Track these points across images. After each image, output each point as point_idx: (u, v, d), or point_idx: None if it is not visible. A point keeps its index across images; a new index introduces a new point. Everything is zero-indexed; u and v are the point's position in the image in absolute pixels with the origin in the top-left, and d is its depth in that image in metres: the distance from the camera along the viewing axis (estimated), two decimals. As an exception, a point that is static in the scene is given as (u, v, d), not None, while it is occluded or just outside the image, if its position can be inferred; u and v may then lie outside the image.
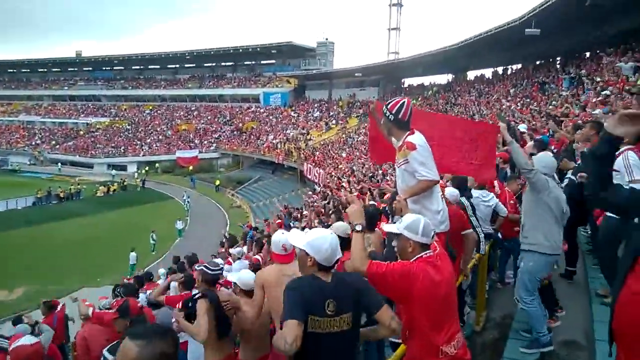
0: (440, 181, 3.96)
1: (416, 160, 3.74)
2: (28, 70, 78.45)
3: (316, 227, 10.32)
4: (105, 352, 4.21)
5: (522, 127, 11.67)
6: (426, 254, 2.91)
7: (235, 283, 4.52)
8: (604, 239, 4.91)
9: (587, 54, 26.99)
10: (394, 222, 3.32)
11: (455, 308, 3.09)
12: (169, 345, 1.70)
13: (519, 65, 36.59)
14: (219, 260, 7.51)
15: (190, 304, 4.22)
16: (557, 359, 4.46)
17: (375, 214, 5.30)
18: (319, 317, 2.66)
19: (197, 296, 4.26)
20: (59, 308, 8.49)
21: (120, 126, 64.71)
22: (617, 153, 4.64)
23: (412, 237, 2.91)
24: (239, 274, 4.56)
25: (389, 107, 3.94)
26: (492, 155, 4.56)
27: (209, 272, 4.43)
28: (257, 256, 8.39)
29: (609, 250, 4.78)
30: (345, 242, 4.35)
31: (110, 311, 6.14)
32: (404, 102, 3.94)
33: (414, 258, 2.90)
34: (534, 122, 13.59)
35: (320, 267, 2.76)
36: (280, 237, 4.10)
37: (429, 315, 2.83)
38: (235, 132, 57.20)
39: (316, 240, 2.77)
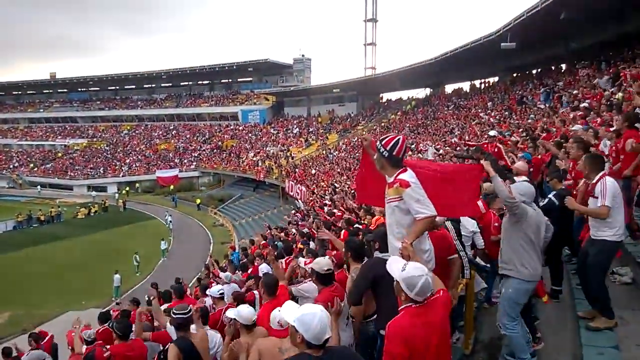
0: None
1: (411, 197, 3.72)
2: (2, 93, 77.13)
3: (301, 248, 10.27)
4: None
5: (492, 133, 12.11)
6: (413, 305, 3.00)
7: (234, 319, 4.48)
8: (592, 262, 5.03)
9: (563, 67, 27.76)
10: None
11: (447, 351, 3.20)
12: None
13: (496, 78, 37.41)
14: (214, 289, 7.52)
15: (161, 357, 4.30)
16: None
17: (361, 245, 5.24)
18: None
19: (167, 347, 4.32)
20: (45, 339, 8.47)
21: (99, 147, 64.00)
22: (595, 179, 4.99)
23: (407, 292, 2.98)
24: (238, 309, 4.54)
25: (383, 143, 3.91)
26: (475, 194, 4.59)
27: (176, 316, 4.49)
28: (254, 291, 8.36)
29: (596, 270, 5.00)
30: (325, 278, 4.54)
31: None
32: (399, 139, 3.93)
33: (403, 307, 3.04)
34: (514, 137, 13.95)
35: (309, 345, 2.70)
36: (276, 314, 4.13)
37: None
38: (215, 150, 57.10)
39: (305, 317, 2.73)
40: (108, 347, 5.18)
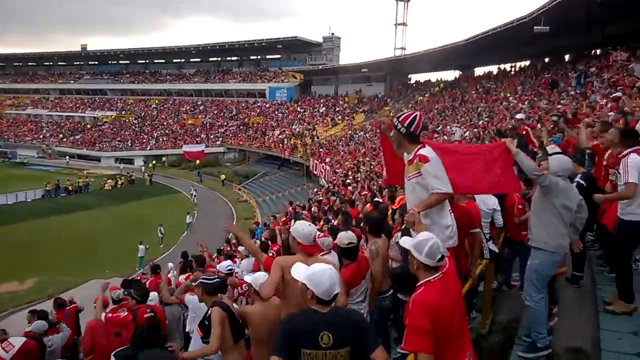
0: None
1: (429, 173, 3.73)
2: (34, 63, 78.89)
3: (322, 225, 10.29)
4: (113, 356, 4.25)
5: (520, 116, 11.87)
6: (434, 278, 2.99)
7: (250, 284, 4.52)
8: (620, 241, 5.02)
9: (598, 52, 26.89)
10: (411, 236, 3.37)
11: (464, 325, 3.19)
12: None
13: (527, 63, 36.47)
14: (224, 263, 7.60)
15: (205, 323, 4.25)
16: None
17: (380, 220, 5.28)
18: (312, 350, 2.72)
19: (208, 310, 4.31)
20: (70, 306, 8.64)
21: (127, 120, 65.09)
22: (623, 154, 4.88)
23: (417, 256, 3.01)
24: (254, 275, 4.57)
25: (400, 119, 3.92)
26: (509, 168, 4.52)
27: (209, 282, 4.50)
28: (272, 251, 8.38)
29: (621, 251, 5.00)
30: (347, 252, 4.52)
31: (120, 314, 6.34)
32: (416, 115, 3.95)
33: (422, 282, 3.01)
34: (542, 122, 13.63)
35: (319, 301, 2.82)
36: (310, 229, 4.08)
37: (438, 337, 2.91)
38: (241, 127, 57.39)
39: (315, 274, 2.85)
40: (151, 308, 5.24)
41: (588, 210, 5.65)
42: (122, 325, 6.01)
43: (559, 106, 17.09)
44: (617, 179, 4.97)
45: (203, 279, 4.57)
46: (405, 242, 3.19)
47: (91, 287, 17.12)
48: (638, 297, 4.88)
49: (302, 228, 4.08)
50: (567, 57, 31.29)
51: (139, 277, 12.74)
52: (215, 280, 4.57)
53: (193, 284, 4.87)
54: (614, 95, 13.42)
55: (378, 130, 4.77)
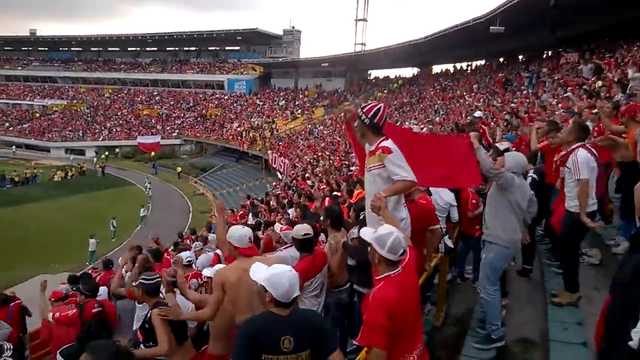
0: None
1: (393, 163, 3.76)
2: (-22, 47, 74.97)
3: (280, 219, 10.27)
4: (58, 354, 4.11)
5: (478, 114, 12.17)
6: (393, 272, 2.98)
7: (209, 277, 4.49)
8: (564, 232, 5.20)
9: (550, 53, 27.77)
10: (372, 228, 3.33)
11: (419, 319, 3.21)
12: None
13: (483, 62, 37.36)
14: (184, 254, 7.46)
15: (146, 326, 4.15)
16: (512, 357, 4.65)
17: (340, 214, 5.26)
18: (273, 356, 2.68)
19: (148, 312, 4.20)
20: (13, 302, 8.25)
21: (79, 109, 62.66)
22: (569, 149, 5.02)
23: (379, 250, 2.99)
24: (213, 269, 4.53)
25: (364, 110, 3.94)
26: (473, 162, 4.59)
27: (148, 282, 4.37)
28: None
29: (568, 243, 5.18)
30: (304, 244, 4.49)
31: (69, 311, 6.09)
32: (380, 106, 3.97)
33: (382, 276, 3.00)
34: (496, 120, 14.00)
35: (277, 304, 2.77)
36: (244, 231, 4.07)
37: (394, 332, 2.92)
38: (198, 119, 56.41)
39: (275, 276, 2.79)
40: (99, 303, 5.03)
41: (538, 205, 5.76)
42: (72, 323, 5.74)
43: (512, 105, 17.56)
44: (567, 174, 5.08)
45: (142, 278, 4.41)
46: (366, 234, 3.16)
47: (37, 283, 16.44)
48: (582, 288, 5.07)
49: (236, 231, 4.10)
50: (521, 57, 32.19)
51: (90, 272, 12.29)
52: (155, 279, 4.42)
53: (134, 283, 4.65)
54: (563, 95, 13.89)
55: (344, 118, 4.90)
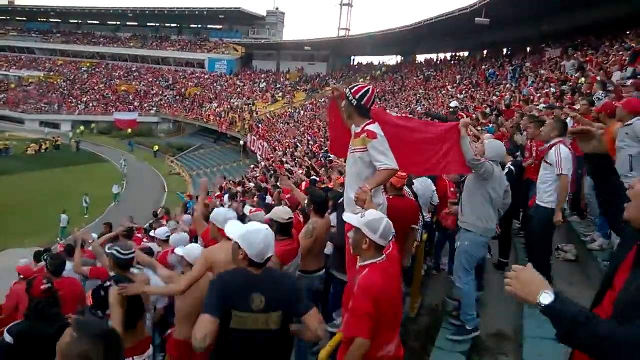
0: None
1: (376, 149, 3.65)
2: (-50, 14, 72.00)
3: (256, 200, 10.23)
4: (6, 332, 3.92)
5: (453, 104, 12.20)
6: (379, 260, 2.92)
7: (182, 257, 4.28)
8: (538, 228, 5.20)
9: (533, 48, 27.90)
10: (356, 213, 3.24)
11: (399, 309, 3.16)
12: (97, 348, 1.72)
13: (467, 53, 37.43)
14: (162, 229, 7.32)
15: (102, 293, 3.97)
16: (486, 350, 4.63)
17: (325, 199, 5.13)
18: (242, 313, 2.60)
19: (107, 284, 4.02)
20: None
21: (55, 82, 60.88)
22: (549, 144, 5.01)
23: (371, 235, 2.89)
24: (187, 247, 4.35)
25: (352, 91, 3.84)
26: (459, 150, 4.51)
27: (121, 256, 4.21)
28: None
29: (542, 238, 5.19)
30: (285, 228, 4.37)
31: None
32: (368, 89, 3.87)
33: (367, 263, 2.92)
34: (476, 113, 14.01)
35: (251, 263, 2.70)
36: (227, 213, 4.00)
37: (378, 319, 2.87)
38: (177, 97, 55.51)
39: (250, 233, 2.74)
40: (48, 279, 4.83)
41: (515, 199, 5.73)
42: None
43: (494, 98, 17.61)
44: (547, 169, 5.06)
45: (116, 250, 4.22)
46: (352, 219, 3.05)
47: (7, 257, 16.05)
48: (557, 284, 5.00)
49: (220, 214, 4.06)
50: (505, 50, 32.30)
51: (59, 246, 12.05)
52: (130, 254, 4.25)
53: (107, 250, 4.45)
54: (545, 92, 13.99)
55: (331, 95, 4.60)
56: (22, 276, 6.67)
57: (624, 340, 1.59)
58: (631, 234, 1.99)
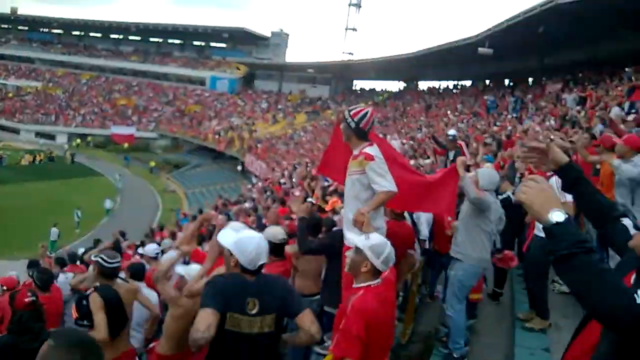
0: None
1: (374, 171, 3.67)
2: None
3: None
4: None
5: (452, 132, 12.22)
6: (374, 283, 2.92)
7: (182, 276, 4.15)
8: (535, 259, 5.23)
9: (535, 80, 28.11)
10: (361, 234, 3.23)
11: (391, 335, 3.20)
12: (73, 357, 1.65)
13: (469, 83, 37.58)
14: (151, 246, 7.09)
15: (84, 302, 3.90)
16: None
17: (319, 220, 5.20)
18: (239, 315, 2.63)
19: (88, 292, 4.00)
20: None
21: (53, 93, 60.79)
22: (550, 173, 4.91)
23: (372, 259, 2.88)
24: (188, 267, 4.26)
25: (351, 113, 3.87)
26: (450, 189, 4.67)
27: (106, 264, 4.14)
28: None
29: (540, 269, 5.22)
30: (277, 248, 4.30)
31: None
32: (367, 111, 3.91)
33: (362, 285, 2.91)
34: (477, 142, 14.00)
35: (243, 269, 2.73)
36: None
37: (367, 345, 2.83)
38: (176, 114, 55.44)
39: (242, 240, 2.77)
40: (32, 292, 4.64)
41: (512, 227, 6.03)
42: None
43: (495, 128, 17.57)
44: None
45: (101, 257, 4.18)
46: (356, 240, 3.04)
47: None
48: (551, 315, 5.19)
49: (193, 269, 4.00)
50: (507, 81, 32.44)
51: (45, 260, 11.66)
52: (115, 263, 4.20)
53: (92, 257, 4.48)
54: (548, 124, 14.05)
55: (336, 119, 4.86)
56: (4, 287, 6.62)
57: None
58: (632, 259, 1.95)
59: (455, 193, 4.75)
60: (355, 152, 3.86)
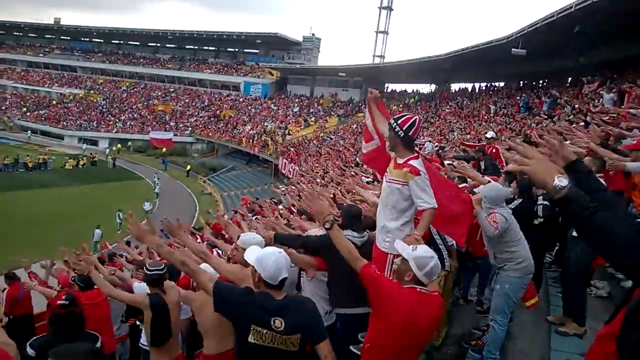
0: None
1: (419, 186, 3.57)
2: (2, 32, 75.62)
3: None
4: (28, 346, 3.88)
5: (490, 134, 12.04)
6: (421, 288, 2.90)
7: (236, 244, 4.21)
8: (575, 263, 5.09)
9: (569, 79, 27.54)
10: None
11: (423, 339, 3.11)
12: None
13: (502, 84, 37.13)
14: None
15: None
16: None
17: (359, 214, 4.82)
18: (263, 329, 2.75)
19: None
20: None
21: (95, 100, 63.17)
22: None
23: (415, 270, 2.88)
24: (244, 235, 4.25)
25: (399, 122, 3.66)
26: (465, 219, 4.52)
27: (148, 272, 4.33)
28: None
29: (579, 272, 5.10)
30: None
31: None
32: (415, 119, 3.70)
33: (408, 286, 2.91)
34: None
35: (266, 284, 2.85)
36: (257, 239, 3.99)
37: (394, 345, 2.87)
38: (212, 119, 56.61)
39: (263, 257, 2.88)
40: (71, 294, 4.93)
41: (551, 232, 5.83)
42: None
43: (527, 130, 17.39)
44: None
45: (145, 267, 4.43)
46: (403, 249, 3.02)
47: (40, 268, 16.51)
48: (588, 320, 5.01)
49: (249, 239, 4.00)
50: (541, 81, 31.92)
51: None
52: (154, 271, 4.35)
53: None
54: (581, 124, 13.76)
55: (369, 99, 4.77)
56: (60, 285, 7.01)
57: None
58: None
59: (469, 221, 4.60)
60: (400, 161, 3.70)
